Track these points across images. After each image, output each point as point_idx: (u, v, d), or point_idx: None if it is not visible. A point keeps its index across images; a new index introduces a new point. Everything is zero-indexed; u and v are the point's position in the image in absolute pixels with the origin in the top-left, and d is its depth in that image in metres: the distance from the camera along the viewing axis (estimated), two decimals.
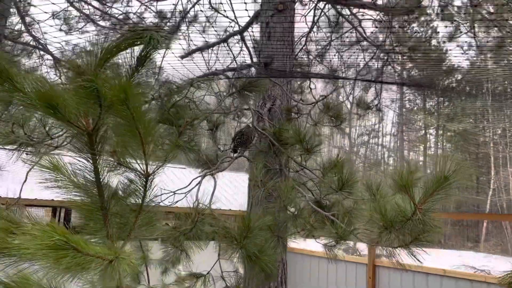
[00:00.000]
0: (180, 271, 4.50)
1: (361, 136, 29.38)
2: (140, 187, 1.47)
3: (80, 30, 6.74)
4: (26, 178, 2.47)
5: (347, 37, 5.45)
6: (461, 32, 5.65)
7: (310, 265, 8.33)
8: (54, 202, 6.69)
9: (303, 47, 4.83)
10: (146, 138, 1.38)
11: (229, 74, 3.45)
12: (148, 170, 1.44)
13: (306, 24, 5.04)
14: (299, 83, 4.70)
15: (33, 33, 6.22)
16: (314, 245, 9.24)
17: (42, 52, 6.08)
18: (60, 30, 6.88)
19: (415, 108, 30.05)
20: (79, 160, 1.40)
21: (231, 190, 10.83)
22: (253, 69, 3.81)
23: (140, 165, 1.44)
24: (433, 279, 6.14)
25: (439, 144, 28.80)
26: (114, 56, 1.36)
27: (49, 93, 1.15)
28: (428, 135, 29.75)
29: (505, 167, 21.99)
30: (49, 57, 6.19)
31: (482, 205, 21.36)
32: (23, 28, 6.18)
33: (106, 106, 1.26)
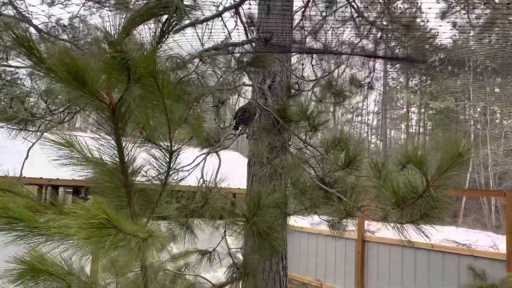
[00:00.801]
0: (172, 248, 4.50)
1: (345, 114, 29.58)
2: (164, 164, 1.43)
3: (63, 3, 6.48)
4: (28, 155, 2.39)
5: (342, 12, 5.38)
6: (454, 8, 5.67)
7: (300, 241, 8.46)
8: (42, 180, 6.56)
9: (299, 23, 4.76)
10: (172, 113, 1.33)
11: (229, 50, 3.37)
12: (173, 147, 1.40)
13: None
14: (297, 58, 4.65)
15: (16, 5, 5.95)
16: (302, 222, 9.38)
17: (26, 25, 5.83)
18: (43, 2, 6.61)
19: (398, 87, 30.32)
20: (100, 136, 1.35)
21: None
22: (248, 45, 3.73)
23: (164, 141, 1.40)
24: (421, 254, 6.32)
25: (421, 122, 29.23)
26: (138, 26, 1.30)
27: (77, 65, 1.09)
28: (410, 114, 30.14)
29: (485, 144, 22.51)
30: (34, 31, 5.94)
31: (461, 181, 21.91)
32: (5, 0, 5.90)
33: (134, 79, 1.20)
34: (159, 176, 1.45)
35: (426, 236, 2.27)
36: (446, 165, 1.95)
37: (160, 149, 1.41)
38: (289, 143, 3.25)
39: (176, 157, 1.43)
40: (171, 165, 1.43)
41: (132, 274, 1.54)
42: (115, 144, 1.33)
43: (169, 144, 1.41)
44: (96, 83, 1.17)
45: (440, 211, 2.16)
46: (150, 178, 1.46)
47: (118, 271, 1.67)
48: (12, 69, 4.26)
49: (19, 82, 4.22)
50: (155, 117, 1.34)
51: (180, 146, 1.42)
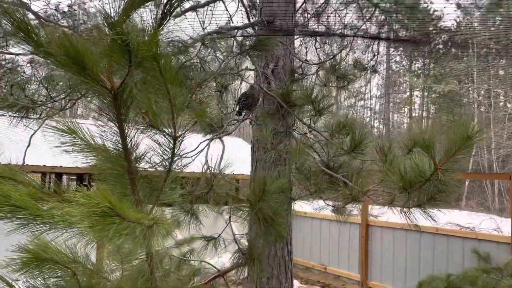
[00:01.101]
0: (177, 235, 4.51)
1: (348, 99, 29.41)
2: (168, 149, 1.40)
3: None
4: (30, 142, 2.36)
5: None
6: None
7: (303, 226, 8.49)
8: (45, 168, 6.58)
9: (302, 5, 4.67)
10: (175, 98, 1.30)
11: (231, 33, 3.31)
12: (176, 132, 1.37)
13: None
14: (300, 42, 4.58)
15: None
16: (305, 207, 9.40)
17: (25, 11, 5.75)
18: None
19: (401, 70, 30.08)
20: (102, 122, 1.32)
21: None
22: (251, 29, 3.67)
23: (167, 127, 1.37)
24: (425, 237, 6.32)
25: (424, 106, 29.05)
26: (138, 8, 1.26)
27: (77, 49, 1.05)
28: (413, 97, 29.96)
29: (488, 127, 22.39)
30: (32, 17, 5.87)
31: (465, 164, 21.86)
32: None
33: (136, 63, 1.17)
34: (163, 162, 1.43)
35: (433, 220, 2.26)
36: (454, 148, 1.92)
37: (164, 135, 1.38)
38: (293, 128, 3.22)
39: (180, 143, 1.41)
40: (175, 151, 1.40)
41: (137, 261, 1.53)
42: (118, 130, 1.30)
43: (172, 129, 1.38)
44: (97, 67, 1.13)
45: (448, 194, 2.13)
46: (154, 164, 1.44)
47: (124, 258, 1.65)
48: (12, 56, 4.21)
49: (19, 69, 4.18)
50: (158, 102, 1.31)
51: (184, 131, 1.39)
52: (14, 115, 2.51)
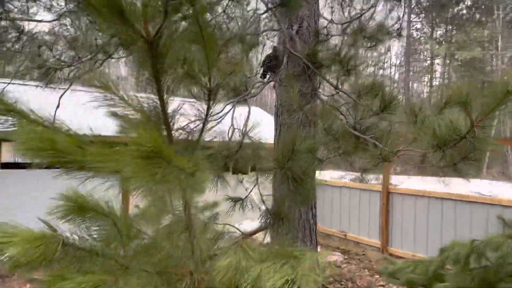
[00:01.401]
0: (199, 202, 4.55)
1: (367, 68, 28.79)
2: (204, 99, 1.38)
3: None
4: (59, 103, 2.37)
5: None
6: None
7: (323, 194, 8.50)
8: None
9: None
10: (210, 48, 1.27)
11: None
12: (211, 84, 1.35)
13: None
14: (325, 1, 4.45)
15: None
16: (325, 175, 9.35)
17: None
18: None
19: (422, 38, 29.23)
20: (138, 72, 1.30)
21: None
22: None
23: (203, 77, 1.34)
24: (448, 204, 6.27)
25: (445, 74, 28.31)
26: None
27: None
28: (434, 66, 29.20)
29: None
30: None
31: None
32: None
33: (171, 11, 1.14)
34: (199, 115, 1.41)
35: (467, 179, 2.21)
36: (493, 104, 1.85)
37: (200, 86, 1.36)
38: (319, 90, 3.16)
39: (216, 95, 1.38)
40: (211, 103, 1.38)
41: (168, 218, 1.55)
42: (153, 79, 1.28)
43: (208, 81, 1.35)
44: (134, 14, 1.10)
45: (482, 153, 2.08)
46: (189, 119, 1.43)
47: (162, 208, 1.67)
48: (31, 27, 4.21)
49: (39, 38, 4.16)
50: (193, 52, 1.28)
51: (220, 81, 1.36)
52: (40, 85, 2.52)
